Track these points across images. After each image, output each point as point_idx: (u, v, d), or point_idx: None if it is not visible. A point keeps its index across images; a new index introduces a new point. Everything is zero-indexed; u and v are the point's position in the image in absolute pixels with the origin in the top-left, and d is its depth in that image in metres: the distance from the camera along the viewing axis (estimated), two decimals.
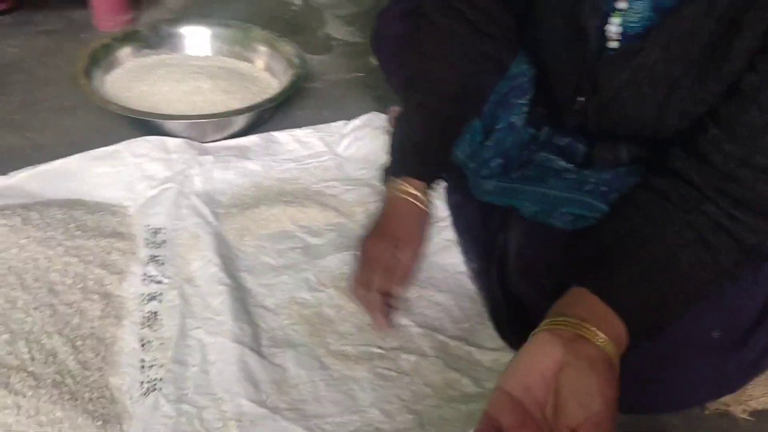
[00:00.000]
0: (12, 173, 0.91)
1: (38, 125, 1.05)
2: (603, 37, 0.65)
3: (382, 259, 0.75)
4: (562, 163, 0.77)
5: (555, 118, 0.80)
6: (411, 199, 0.77)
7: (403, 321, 0.77)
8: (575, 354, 0.49)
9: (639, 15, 0.63)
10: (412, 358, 0.73)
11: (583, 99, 0.70)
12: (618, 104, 0.66)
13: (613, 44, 0.65)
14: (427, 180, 0.80)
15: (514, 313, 0.73)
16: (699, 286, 0.56)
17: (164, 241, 0.84)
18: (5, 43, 1.26)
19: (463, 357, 0.74)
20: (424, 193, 0.79)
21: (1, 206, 0.80)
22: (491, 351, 0.74)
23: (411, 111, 0.82)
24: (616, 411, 0.48)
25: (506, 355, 0.73)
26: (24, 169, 0.92)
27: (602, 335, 0.50)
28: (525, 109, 0.83)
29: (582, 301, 0.53)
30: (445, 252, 0.87)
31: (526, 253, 0.72)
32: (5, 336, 0.64)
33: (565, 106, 0.72)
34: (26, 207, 0.79)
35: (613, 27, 0.64)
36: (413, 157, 0.80)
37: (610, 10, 0.64)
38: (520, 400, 0.51)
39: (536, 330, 0.53)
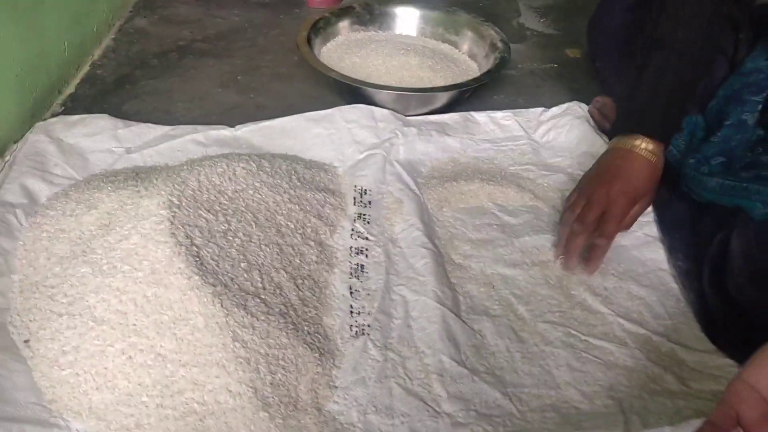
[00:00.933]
0: (238, 126, 1.00)
1: (259, 87, 1.15)
2: None
3: (606, 203, 0.78)
4: None
5: None
6: (647, 156, 0.79)
7: (602, 308, 0.76)
8: None
9: None
10: (612, 346, 0.72)
11: None
12: None
13: None
14: (665, 139, 0.81)
15: (730, 316, 0.70)
16: None
17: (370, 202, 0.89)
18: (231, 13, 1.39)
19: (666, 353, 0.72)
20: (659, 153, 0.80)
21: (237, 153, 0.88)
22: (698, 352, 0.71)
23: (653, 71, 0.83)
24: None
25: (715, 358, 0.70)
26: (249, 123, 1.01)
27: None
28: (759, 107, 0.78)
29: None
30: (645, 247, 0.85)
31: (757, 257, 0.68)
32: (243, 264, 0.71)
33: None
34: (260, 156, 0.87)
35: None
36: (654, 115, 0.81)
37: None
38: (763, 395, 0.48)
39: None
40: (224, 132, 0.99)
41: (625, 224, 0.80)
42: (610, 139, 0.86)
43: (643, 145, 0.80)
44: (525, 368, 0.70)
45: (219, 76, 1.17)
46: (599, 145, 0.98)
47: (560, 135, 1.03)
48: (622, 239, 0.85)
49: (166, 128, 0.99)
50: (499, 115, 1.07)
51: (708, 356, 0.71)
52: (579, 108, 1.05)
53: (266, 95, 1.13)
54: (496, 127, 1.05)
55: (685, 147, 0.83)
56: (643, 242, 0.85)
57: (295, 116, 1.01)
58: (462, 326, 0.73)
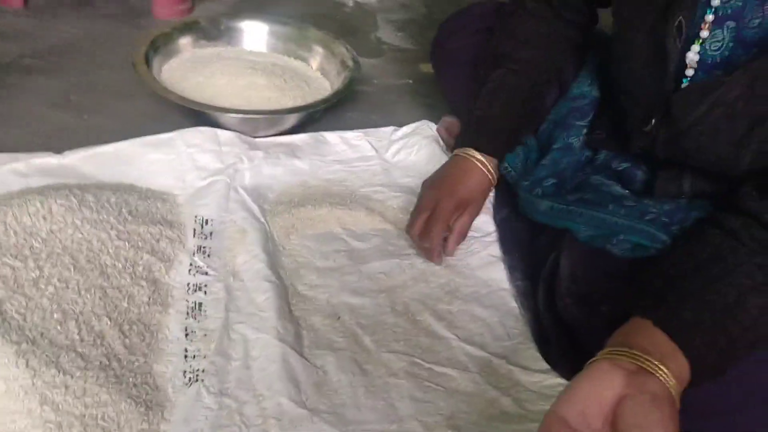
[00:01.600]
0: (66, 153, 0.92)
1: (95, 107, 1.06)
2: (683, 63, 0.64)
3: (443, 214, 0.81)
4: (618, 189, 0.76)
5: (615, 142, 0.79)
6: (480, 166, 0.83)
7: (446, 334, 0.77)
8: (638, 387, 0.48)
9: (719, 44, 0.62)
10: (454, 372, 0.72)
11: (654, 122, 0.68)
12: (691, 136, 0.65)
13: (689, 71, 0.64)
14: (499, 156, 0.85)
15: (561, 336, 0.72)
16: (767, 331, 0.55)
17: (212, 233, 0.85)
18: (67, 24, 1.28)
19: (504, 375, 0.73)
20: (494, 168, 0.84)
21: (57, 185, 0.81)
22: (534, 372, 0.73)
23: (491, 87, 0.86)
24: None
25: (550, 378, 0.72)
26: (78, 149, 0.92)
27: (665, 371, 0.49)
28: (584, 131, 0.82)
29: (645, 333, 0.52)
30: (489, 267, 0.86)
31: (580, 278, 0.71)
32: (57, 315, 0.65)
33: (634, 127, 0.71)
34: (82, 188, 0.80)
35: (692, 54, 0.63)
36: (490, 131, 0.85)
37: (694, 36, 0.63)
38: (574, 428, 0.50)
39: (595, 358, 0.52)
40: (49, 160, 0.90)
41: (457, 232, 0.83)
42: (452, 152, 0.88)
43: (478, 155, 0.83)
44: (368, 403, 0.69)
45: (48, 95, 1.07)
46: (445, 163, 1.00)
47: (410, 155, 1.04)
48: (468, 259, 0.87)
49: None
50: (350, 135, 1.05)
51: (544, 376, 0.73)
52: (428, 128, 1.06)
53: (103, 116, 1.05)
54: (347, 147, 1.04)
55: (522, 168, 0.85)
56: (486, 262, 0.87)
57: (131, 141, 0.94)
58: (303, 363, 0.71)
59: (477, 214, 0.85)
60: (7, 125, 0.99)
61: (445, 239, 0.83)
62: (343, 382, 0.70)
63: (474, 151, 0.83)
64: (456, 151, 0.86)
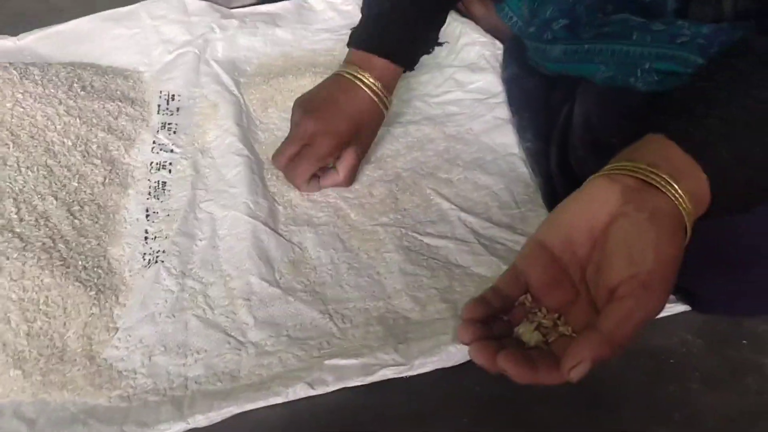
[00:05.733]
0: (22, 35, 0.83)
1: None
2: None
3: (317, 153, 0.64)
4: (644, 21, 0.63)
5: None
6: (368, 91, 0.65)
7: (444, 204, 0.67)
8: (637, 204, 0.38)
9: None
10: (451, 244, 0.63)
11: None
12: None
13: None
14: (406, 64, 0.67)
15: None
16: None
17: (179, 109, 0.76)
18: None
19: (509, 246, 0.63)
20: (389, 87, 0.67)
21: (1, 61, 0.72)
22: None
23: None
24: (672, 276, 0.37)
25: None
26: (34, 30, 0.83)
27: (676, 187, 0.39)
28: None
29: (657, 147, 0.41)
30: (495, 131, 0.75)
31: (594, 124, 0.59)
32: None
33: None
34: (27, 63, 0.71)
35: None
36: (395, 28, 0.66)
37: None
38: (556, 256, 0.41)
39: (593, 176, 0.42)
40: (4, 42, 0.82)
41: (345, 177, 0.67)
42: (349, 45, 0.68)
43: (366, 78, 0.65)
44: (352, 280, 0.60)
45: None
46: (447, 23, 0.87)
47: None
48: (470, 124, 0.76)
49: None
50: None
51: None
52: None
53: None
54: (335, 13, 0.92)
55: (528, 13, 0.72)
56: (492, 126, 0.75)
57: (90, 16, 0.85)
58: (278, 240, 0.62)
59: (365, 150, 0.68)
60: None
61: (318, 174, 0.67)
62: (323, 259, 0.62)
63: (361, 71, 0.65)
64: (339, 69, 0.67)
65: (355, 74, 0.65)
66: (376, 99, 0.66)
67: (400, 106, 0.78)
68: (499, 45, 0.84)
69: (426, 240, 0.64)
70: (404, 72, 0.68)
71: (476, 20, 0.87)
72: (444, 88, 0.80)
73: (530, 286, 0.42)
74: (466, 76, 0.81)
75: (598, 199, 0.40)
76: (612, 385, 0.52)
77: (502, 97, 0.78)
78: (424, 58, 0.83)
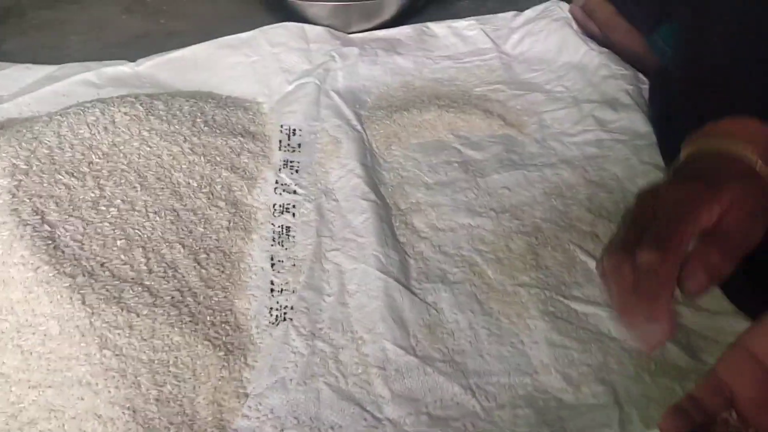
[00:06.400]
0: (140, 60, 0.82)
1: (172, 10, 0.95)
2: None
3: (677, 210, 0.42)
4: None
5: None
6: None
7: (590, 264, 0.60)
8: None
9: None
10: (601, 312, 0.57)
11: None
12: None
13: None
14: None
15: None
16: None
17: (300, 145, 0.72)
18: None
19: None
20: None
21: (122, 96, 0.70)
22: (711, 314, 0.56)
23: None
24: None
25: (730, 321, 0.55)
26: (153, 56, 0.82)
27: None
28: None
29: None
30: (643, 178, 0.68)
31: None
32: (120, 242, 0.55)
33: None
34: (151, 96, 0.69)
35: None
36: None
37: None
38: (765, 367, 0.35)
39: None
40: (122, 68, 0.80)
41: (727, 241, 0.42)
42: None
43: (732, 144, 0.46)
44: (493, 349, 0.55)
45: None
46: (583, 52, 0.80)
47: (536, 44, 0.84)
48: (615, 169, 0.69)
49: (50, 68, 0.80)
50: (461, 24, 0.88)
51: (724, 319, 0.55)
52: (558, 8, 0.86)
53: (181, 19, 0.93)
54: (458, 39, 0.87)
55: None
56: (639, 172, 0.68)
57: (208, 43, 0.82)
58: (411, 299, 0.57)
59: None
60: (77, 33, 0.90)
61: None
62: (461, 323, 0.56)
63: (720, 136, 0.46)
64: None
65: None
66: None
67: (533, 146, 0.72)
68: (643, 79, 0.76)
69: (573, 305, 0.57)
70: None
71: (617, 50, 0.79)
72: (582, 126, 0.74)
73: (736, 402, 0.36)
74: (606, 113, 0.74)
75: None
76: None
77: (649, 139, 0.71)
78: (560, 92, 0.77)
